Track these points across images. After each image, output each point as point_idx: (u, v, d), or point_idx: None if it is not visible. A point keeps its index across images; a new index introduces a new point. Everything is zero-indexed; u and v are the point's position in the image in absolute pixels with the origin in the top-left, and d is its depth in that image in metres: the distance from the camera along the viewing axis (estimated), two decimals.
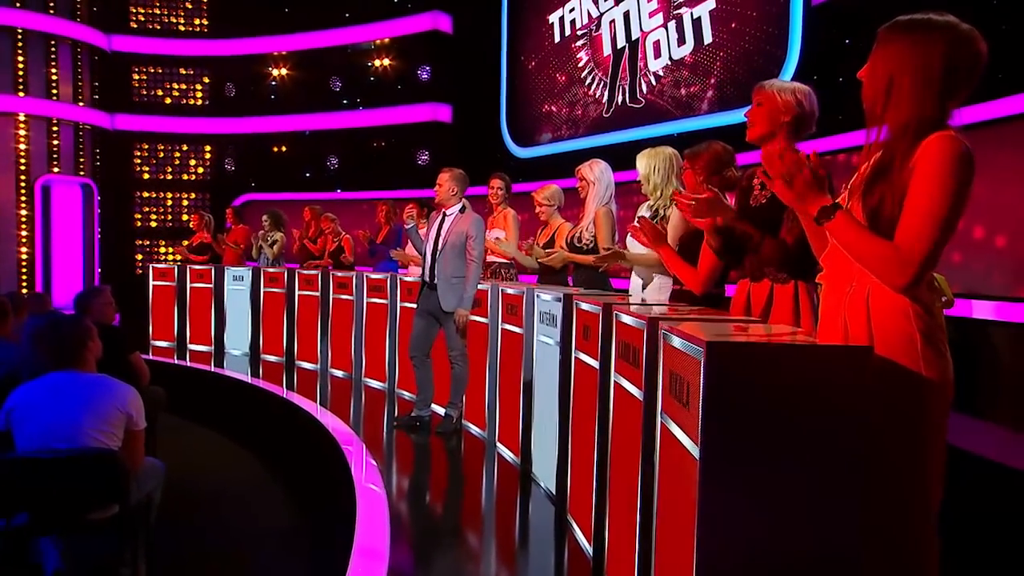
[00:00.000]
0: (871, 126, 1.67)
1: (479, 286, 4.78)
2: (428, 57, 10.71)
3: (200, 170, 12.42)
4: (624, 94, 7.68)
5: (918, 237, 1.51)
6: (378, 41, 11.07)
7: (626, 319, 2.43)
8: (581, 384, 3.11)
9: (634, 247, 3.61)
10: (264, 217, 8.20)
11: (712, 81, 6.77)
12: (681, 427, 1.72)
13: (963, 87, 1.58)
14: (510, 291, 4.25)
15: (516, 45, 9.37)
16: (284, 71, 11.84)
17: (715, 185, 2.99)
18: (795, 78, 5.92)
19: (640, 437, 2.23)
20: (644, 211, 3.67)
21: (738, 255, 2.51)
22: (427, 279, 4.75)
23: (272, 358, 7.42)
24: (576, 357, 3.17)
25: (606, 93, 7.91)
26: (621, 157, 7.69)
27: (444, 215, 4.73)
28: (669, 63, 7.16)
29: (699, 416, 1.55)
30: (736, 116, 6.52)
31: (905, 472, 1.53)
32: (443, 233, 4.68)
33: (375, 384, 6.31)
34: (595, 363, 2.87)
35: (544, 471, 3.67)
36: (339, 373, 6.69)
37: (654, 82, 7.38)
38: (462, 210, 4.71)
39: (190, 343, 7.98)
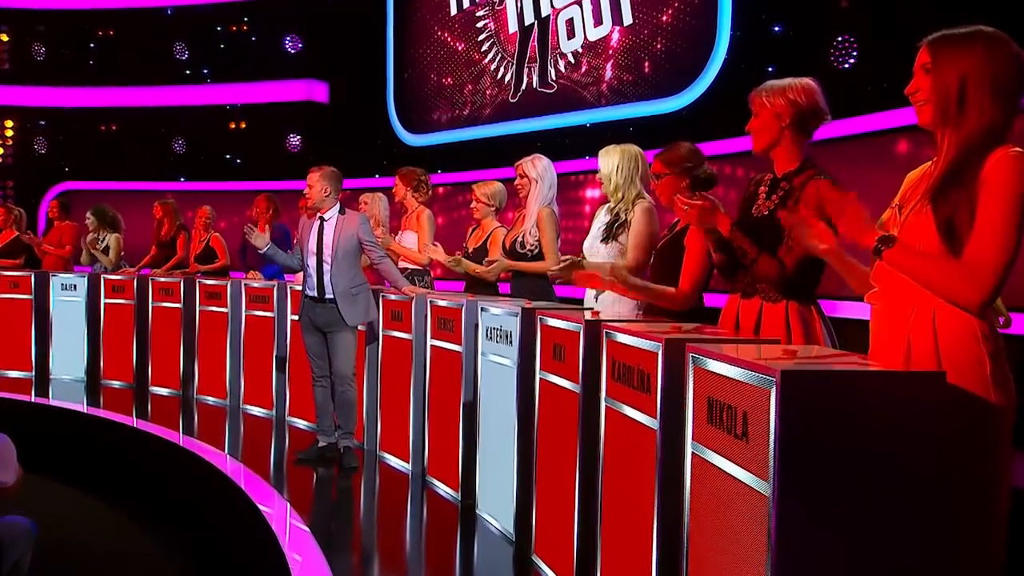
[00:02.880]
0: (941, 134, 1.86)
1: (394, 297, 4.77)
2: (296, 25, 10.40)
3: None
4: (534, 77, 7.84)
5: (992, 253, 1.72)
6: (232, 2, 10.63)
7: (628, 339, 2.53)
8: (551, 409, 3.18)
9: (593, 255, 3.73)
10: (88, 215, 7.59)
11: (632, 66, 7.06)
12: (734, 461, 1.84)
13: (1021, 97, 1.81)
14: (442, 303, 4.26)
15: (406, 16, 9.31)
16: (111, 31, 11.08)
17: (692, 183, 3.16)
18: (723, 67, 6.32)
19: (654, 469, 2.34)
20: (603, 213, 3.80)
21: (736, 270, 2.67)
22: (315, 293, 4.67)
23: (117, 383, 6.98)
24: (543, 379, 3.24)
25: (513, 75, 8.03)
26: (530, 147, 7.87)
27: (322, 220, 4.67)
28: (584, 45, 7.39)
29: (770, 451, 1.67)
30: (659, 106, 6.84)
31: (979, 497, 1.72)
32: (327, 241, 4.63)
33: (258, 412, 6.09)
34: (573, 386, 2.95)
35: (496, 506, 3.71)
36: (210, 400, 6.41)
37: (566, 66, 7.58)
38: (341, 212, 4.68)
39: (1, 368, 7.34)
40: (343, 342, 4.64)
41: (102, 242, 7.58)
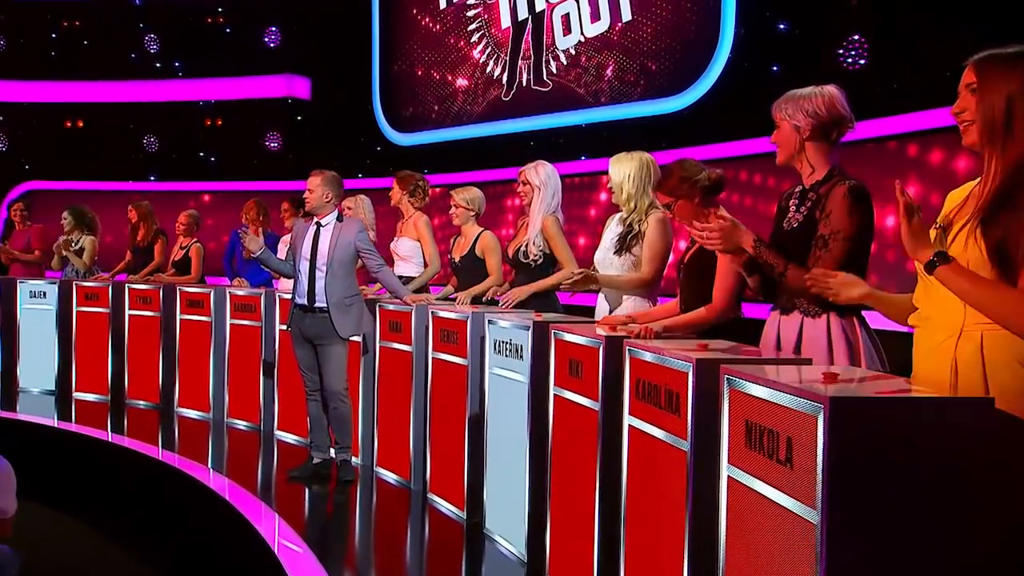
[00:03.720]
0: (988, 155, 1.93)
1: (392, 307, 4.81)
2: (276, 17, 10.38)
3: None
4: (528, 74, 7.90)
5: None
6: None
7: (654, 358, 2.59)
8: (566, 426, 3.24)
9: (606, 267, 3.79)
10: (64, 215, 7.56)
11: (632, 64, 7.14)
12: (776, 487, 1.90)
13: None
14: (445, 315, 4.30)
15: (393, 8, 9.33)
16: (76, 22, 11.00)
17: (703, 197, 3.20)
18: (727, 65, 6.41)
19: (684, 490, 2.40)
20: (615, 223, 3.87)
21: (773, 288, 2.73)
22: (305, 302, 4.70)
23: (90, 396, 6.96)
24: (557, 395, 3.30)
25: (505, 72, 8.09)
26: (523, 147, 7.93)
27: (319, 226, 4.71)
28: (581, 41, 7.46)
29: (818, 478, 1.73)
30: (659, 106, 6.92)
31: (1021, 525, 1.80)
32: (322, 248, 4.66)
33: (244, 425, 6.10)
34: (592, 404, 3.01)
35: (505, 526, 3.76)
36: (192, 414, 6.41)
37: (564, 62, 7.65)
38: (339, 218, 4.73)
39: None
40: (334, 356, 4.66)
41: (76, 243, 7.55)
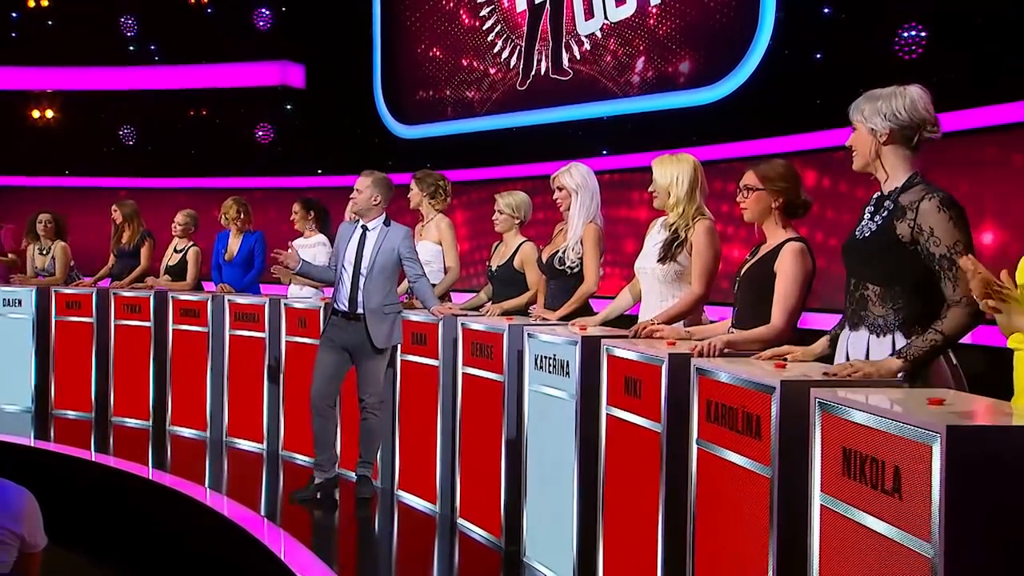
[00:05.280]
0: None
1: (415, 317, 4.90)
2: None
3: None
4: (546, 62, 7.97)
5: None
6: None
7: (728, 378, 2.67)
8: (621, 447, 3.33)
9: (646, 276, 3.88)
10: (45, 221, 7.60)
11: (660, 52, 7.21)
12: (883, 519, 1.99)
13: None
14: (477, 327, 4.38)
15: None
16: (43, 1, 11.02)
17: (786, 207, 3.24)
18: (767, 53, 6.49)
19: (766, 519, 2.49)
20: (658, 228, 3.95)
21: None
22: (346, 308, 4.79)
23: (73, 414, 7.01)
24: (610, 415, 3.39)
25: (521, 60, 8.15)
26: (538, 141, 8.01)
27: (365, 230, 4.83)
28: (604, 27, 7.53)
29: (934, 510, 1.83)
30: (691, 97, 7.00)
31: None
32: (367, 252, 4.79)
33: (247, 445, 6.16)
34: (653, 426, 3.10)
35: (549, 554, 3.84)
36: (187, 432, 6.47)
37: (581, 51, 7.72)
38: (386, 223, 4.83)
39: None
40: (374, 366, 4.81)
41: (47, 252, 7.58)
